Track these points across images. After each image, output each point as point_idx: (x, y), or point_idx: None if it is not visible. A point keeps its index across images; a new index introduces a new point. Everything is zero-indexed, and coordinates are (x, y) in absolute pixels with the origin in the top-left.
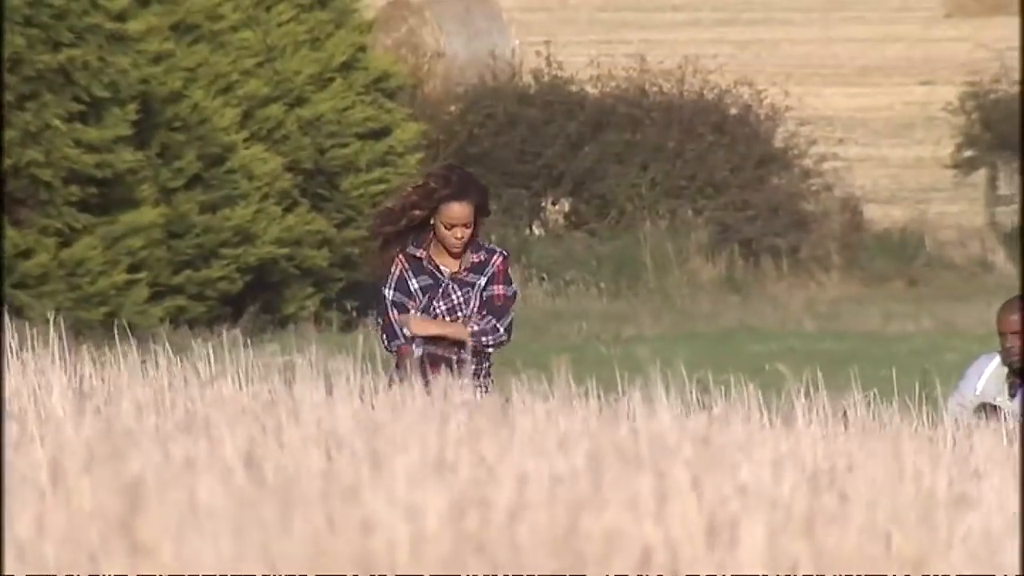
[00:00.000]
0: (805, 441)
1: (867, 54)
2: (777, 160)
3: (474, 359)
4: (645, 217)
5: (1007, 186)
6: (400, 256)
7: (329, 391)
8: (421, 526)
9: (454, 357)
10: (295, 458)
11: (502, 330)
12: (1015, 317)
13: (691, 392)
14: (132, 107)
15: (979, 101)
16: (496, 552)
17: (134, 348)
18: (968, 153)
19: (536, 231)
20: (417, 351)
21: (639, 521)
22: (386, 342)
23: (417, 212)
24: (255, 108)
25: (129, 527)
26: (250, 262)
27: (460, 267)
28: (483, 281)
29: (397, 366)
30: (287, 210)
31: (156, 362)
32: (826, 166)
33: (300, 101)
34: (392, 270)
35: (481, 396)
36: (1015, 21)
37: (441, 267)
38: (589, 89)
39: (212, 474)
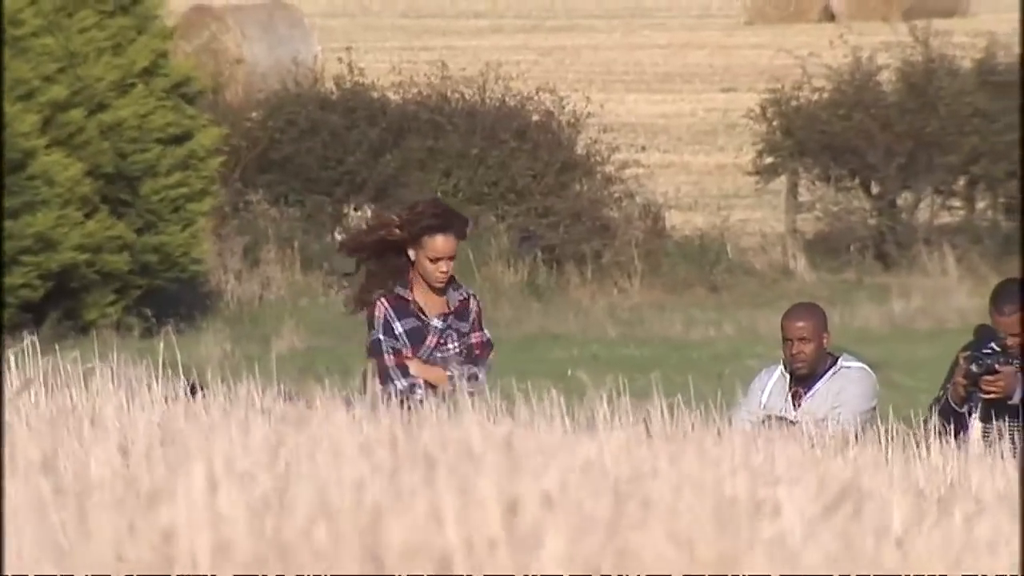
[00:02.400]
0: (608, 447)
1: (669, 61)
2: (579, 167)
3: None
4: None
5: (808, 193)
6: (383, 299)
7: (130, 398)
8: (222, 532)
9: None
10: (95, 464)
11: (481, 378)
12: (801, 323)
13: (494, 398)
14: None
15: (780, 108)
16: (297, 557)
17: None
18: (769, 160)
19: (338, 238)
20: (419, 394)
21: (441, 527)
22: (380, 386)
23: (397, 231)
24: (56, 113)
25: None
26: (52, 269)
27: (448, 306)
28: (466, 328)
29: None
30: (88, 216)
31: None
32: (628, 172)
33: (101, 107)
34: (376, 313)
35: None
36: (815, 28)
37: (425, 310)
38: (391, 96)
39: (12, 480)
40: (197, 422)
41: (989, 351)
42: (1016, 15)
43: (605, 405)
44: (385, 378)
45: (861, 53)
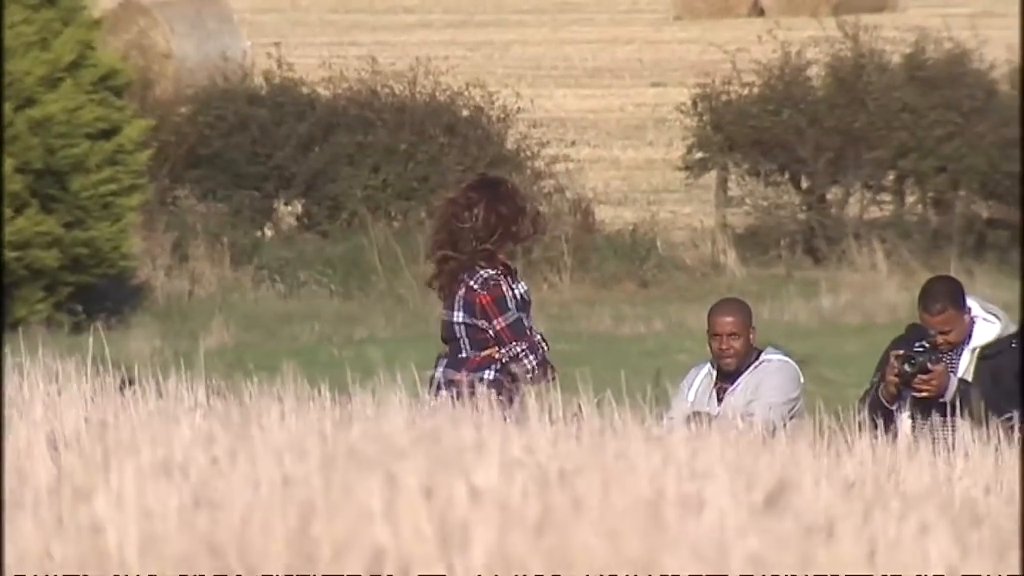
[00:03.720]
0: (537, 442)
1: (598, 56)
2: (509, 162)
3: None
4: (377, 219)
5: (737, 188)
6: (501, 278)
7: (59, 393)
8: (152, 527)
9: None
10: (24, 459)
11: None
12: (729, 319)
13: (423, 394)
14: None
15: (710, 103)
16: (228, 553)
17: None
18: (699, 155)
19: (267, 233)
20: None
21: (370, 523)
22: (534, 362)
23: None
24: None
25: None
26: None
27: None
28: None
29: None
30: (17, 211)
31: None
32: (558, 168)
33: (30, 102)
34: (504, 293)
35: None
36: (744, 23)
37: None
38: (321, 91)
39: None
40: (127, 417)
41: (921, 349)
42: (944, 10)
43: (534, 400)
44: (536, 352)
45: (790, 48)
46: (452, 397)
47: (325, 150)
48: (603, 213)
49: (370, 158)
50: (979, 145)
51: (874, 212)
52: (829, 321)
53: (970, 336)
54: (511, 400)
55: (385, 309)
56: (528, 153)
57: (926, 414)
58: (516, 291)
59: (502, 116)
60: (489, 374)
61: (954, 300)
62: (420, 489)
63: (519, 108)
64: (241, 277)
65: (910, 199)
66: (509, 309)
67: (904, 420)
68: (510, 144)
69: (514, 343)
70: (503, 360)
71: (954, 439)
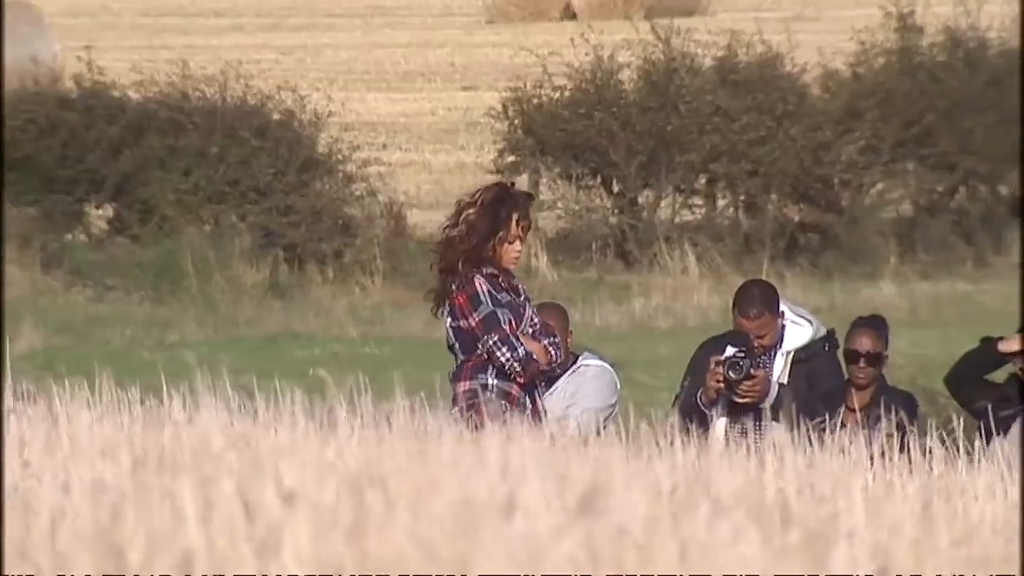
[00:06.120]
0: (349, 446)
1: (410, 59)
2: (321, 165)
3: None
4: (188, 222)
5: (549, 191)
6: (478, 276)
7: None
8: None
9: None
10: None
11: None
12: (548, 323)
13: (235, 397)
14: None
15: (521, 107)
16: (38, 557)
17: None
18: (510, 159)
19: (78, 236)
20: (535, 366)
21: (182, 526)
22: (509, 354)
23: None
24: None
25: None
26: None
27: (520, 285)
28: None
29: (466, 403)
30: None
31: None
32: (369, 171)
33: None
34: (478, 289)
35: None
36: (556, 27)
37: (512, 289)
38: (131, 94)
39: None
40: None
41: (743, 354)
42: (756, 14)
43: (346, 404)
44: (511, 346)
45: (602, 52)
46: (461, 411)
47: (136, 153)
48: (415, 217)
49: (181, 161)
50: (791, 149)
51: (686, 216)
52: (640, 324)
53: (781, 340)
54: (516, 404)
55: (197, 313)
56: (339, 156)
57: (741, 418)
58: (499, 293)
59: (313, 119)
60: (485, 378)
61: (769, 304)
62: (233, 492)
63: (330, 112)
64: (51, 281)
65: (721, 203)
66: (482, 303)
67: (719, 424)
68: (321, 147)
69: (486, 336)
70: (486, 357)
71: (766, 442)
